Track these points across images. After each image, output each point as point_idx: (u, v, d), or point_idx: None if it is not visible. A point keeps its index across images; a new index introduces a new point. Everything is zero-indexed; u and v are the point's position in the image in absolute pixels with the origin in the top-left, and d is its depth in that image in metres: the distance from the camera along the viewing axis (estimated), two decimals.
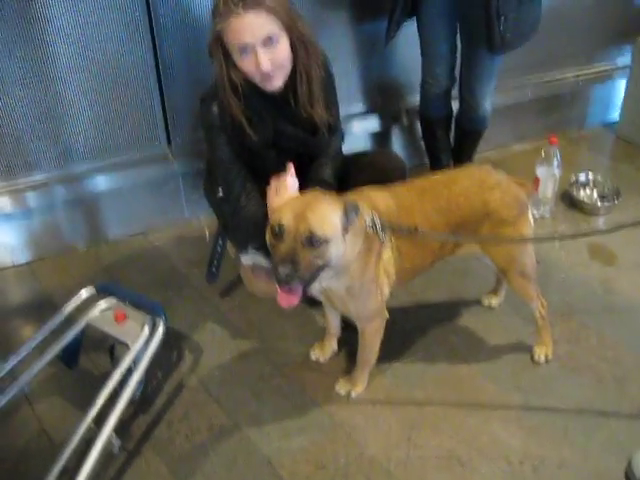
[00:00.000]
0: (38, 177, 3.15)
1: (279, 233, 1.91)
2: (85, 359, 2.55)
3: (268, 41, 2.15)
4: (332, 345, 2.62)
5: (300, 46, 2.23)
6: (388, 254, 2.20)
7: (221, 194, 2.52)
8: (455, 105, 3.51)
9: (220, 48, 2.23)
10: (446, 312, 2.87)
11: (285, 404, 2.44)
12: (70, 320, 2.42)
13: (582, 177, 3.76)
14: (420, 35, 3.26)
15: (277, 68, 2.21)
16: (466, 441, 2.27)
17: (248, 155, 2.38)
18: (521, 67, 4.00)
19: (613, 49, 4.38)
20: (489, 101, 3.33)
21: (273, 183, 2.26)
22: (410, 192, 2.29)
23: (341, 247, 1.96)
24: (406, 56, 3.61)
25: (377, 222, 2.09)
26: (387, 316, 2.35)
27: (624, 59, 4.37)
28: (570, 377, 2.52)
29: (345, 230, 1.96)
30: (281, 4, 2.15)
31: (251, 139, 2.32)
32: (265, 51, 2.16)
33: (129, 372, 2.21)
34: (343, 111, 2.77)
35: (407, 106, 3.82)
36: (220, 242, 2.80)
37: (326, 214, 1.93)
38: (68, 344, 2.35)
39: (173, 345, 2.72)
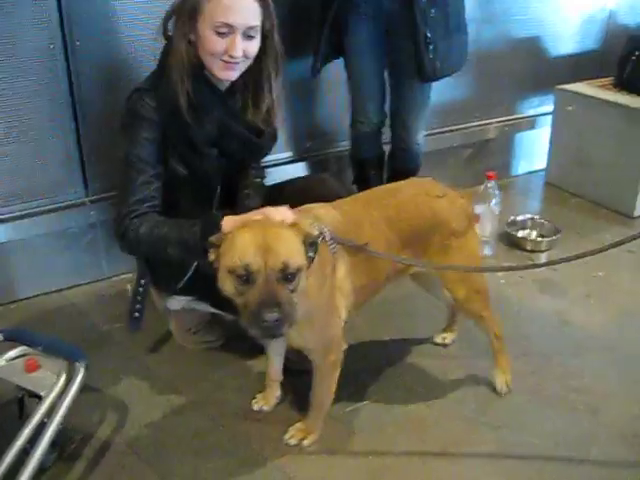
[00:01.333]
0: None
1: (246, 276, 1.66)
2: None
3: (249, 31, 2.08)
4: (275, 392, 2.33)
5: (270, 52, 2.19)
6: (342, 272, 1.98)
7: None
8: (387, 146, 3.40)
9: (189, 23, 2.08)
10: (398, 353, 2.65)
11: (228, 461, 2.12)
12: None
13: (520, 218, 3.68)
14: (348, 72, 3.17)
15: (242, 60, 2.12)
16: None
17: (185, 155, 2.19)
18: (449, 113, 3.98)
19: (535, 97, 4.43)
20: (422, 136, 3.25)
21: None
22: (356, 205, 2.12)
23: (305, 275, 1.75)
24: (333, 100, 3.51)
25: (327, 236, 1.88)
26: (345, 345, 2.09)
27: (547, 107, 4.42)
28: (541, 409, 2.33)
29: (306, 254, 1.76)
30: (272, 8, 2.15)
31: (193, 133, 2.15)
32: (242, 40, 2.08)
33: (41, 428, 1.84)
34: (269, 158, 2.65)
35: (336, 151, 3.68)
36: (142, 282, 2.47)
37: (291, 240, 1.72)
38: None
39: (94, 406, 2.36)
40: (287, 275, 1.67)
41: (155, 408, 2.35)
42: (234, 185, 2.43)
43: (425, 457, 2.12)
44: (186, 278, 2.28)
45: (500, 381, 2.39)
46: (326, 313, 1.96)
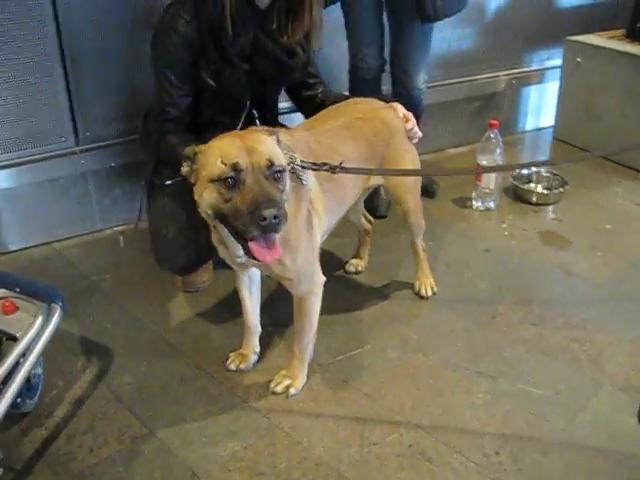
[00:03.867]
0: None
1: (235, 176, 1.59)
2: None
3: None
4: (253, 346, 2.23)
5: None
6: (314, 193, 1.92)
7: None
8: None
9: None
10: (394, 301, 2.57)
11: (211, 408, 2.04)
12: None
13: (525, 171, 3.55)
14: (345, 16, 3.03)
15: None
16: (430, 434, 1.92)
17: (217, 67, 2.22)
18: (454, 64, 3.85)
19: (545, 50, 4.28)
20: (423, 81, 3.11)
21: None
22: (301, 128, 2.11)
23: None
24: (331, 46, 3.35)
25: (297, 162, 1.81)
26: (324, 278, 2.01)
27: (556, 61, 4.26)
28: (540, 360, 2.23)
29: None
30: None
31: (228, 45, 2.18)
32: None
33: (16, 369, 1.77)
34: None
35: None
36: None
37: (270, 143, 1.69)
38: None
39: (78, 352, 2.30)
40: (274, 173, 1.62)
41: (140, 356, 2.28)
42: (270, 105, 2.49)
43: (417, 404, 2.04)
44: None
45: (423, 285, 2.54)
46: (305, 238, 1.88)
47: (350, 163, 2.03)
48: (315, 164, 1.86)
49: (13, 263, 2.88)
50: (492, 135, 3.17)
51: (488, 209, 3.27)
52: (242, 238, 1.64)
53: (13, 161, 2.87)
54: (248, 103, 2.37)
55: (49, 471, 1.81)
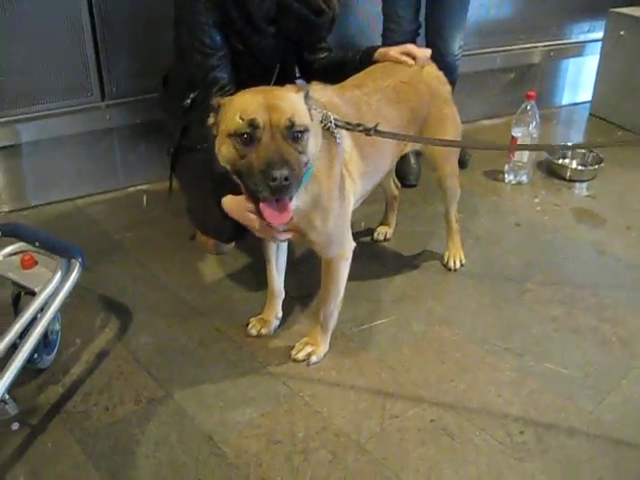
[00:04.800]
0: None
1: (251, 132, 1.53)
2: None
3: None
4: (276, 311, 2.18)
5: None
6: (348, 156, 1.86)
7: (189, 101, 2.26)
8: None
9: None
10: (422, 274, 2.50)
11: (230, 372, 2.00)
12: None
13: None
14: None
15: None
16: (453, 409, 1.87)
17: (243, 31, 2.16)
18: (491, 33, 3.73)
19: (586, 22, 4.13)
20: (459, 46, 3.01)
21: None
22: (352, 88, 2.03)
23: (316, 138, 1.64)
24: (364, 10, 3.28)
25: (331, 119, 1.75)
26: (354, 244, 1.96)
27: (597, 34, 4.12)
28: (569, 339, 2.16)
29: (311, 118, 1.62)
30: None
31: (253, 8, 2.13)
32: None
33: (33, 324, 1.74)
34: None
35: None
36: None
37: (295, 101, 1.60)
38: None
39: (97, 310, 2.26)
40: (294, 133, 1.55)
41: (160, 316, 2.24)
42: (291, 66, 2.44)
43: (442, 379, 1.98)
44: None
45: (455, 257, 2.49)
46: (336, 200, 1.81)
47: (393, 128, 1.98)
48: (349, 124, 1.79)
49: (35, 218, 2.86)
50: (529, 107, 3.07)
51: (520, 183, 3.18)
52: (255, 198, 1.58)
53: (38, 114, 2.83)
54: (278, 65, 2.30)
55: (64, 428, 1.78)
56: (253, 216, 1.72)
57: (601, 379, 1.99)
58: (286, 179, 1.49)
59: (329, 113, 1.76)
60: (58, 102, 2.85)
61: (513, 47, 3.88)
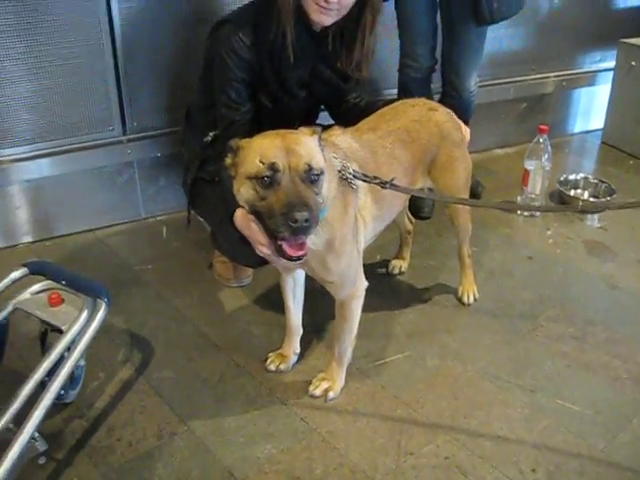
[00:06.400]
0: None
1: (271, 176, 1.59)
2: (14, 355, 2.15)
3: None
4: (294, 347, 2.24)
5: (369, 6, 2.20)
6: (363, 202, 1.93)
7: (210, 138, 2.36)
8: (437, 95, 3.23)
9: None
10: (435, 309, 2.55)
11: (250, 407, 2.06)
12: None
13: (572, 177, 3.50)
14: (398, 13, 3.00)
15: (337, 8, 2.12)
16: (466, 447, 1.91)
17: (275, 93, 2.27)
18: (504, 64, 3.80)
19: (597, 51, 4.19)
20: (474, 83, 3.07)
21: None
22: (367, 131, 2.09)
23: (330, 181, 1.72)
24: (382, 43, 3.32)
25: (349, 170, 1.83)
26: (367, 283, 2.02)
27: (608, 63, 4.17)
28: (580, 375, 2.20)
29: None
30: None
31: (288, 75, 2.25)
32: None
33: (61, 362, 1.80)
34: None
35: (383, 98, 3.52)
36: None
37: (311, 144, 1.67)
38: None
39: (119, 344, 2.33)
40: (311, 176, 1.61)
41: (181, 350, 2.30)
42: (313, 118, 2.55)
43: (455, 415, 2.03)
44: None
45: (468, 292, 2.54)
46: (349, 243, 1.88)
47: (405, 169, 2.07)
48: (367, 176, 1.86)
49: (57, 249, 2.94)
50: (541, 140, 3.12)
51: (533, 215, 3.23)
52: (273, 236, 1.65)
53: (61, 148, 2.91)
54: (298, 121, 2.38)
55: (89, 463, 1.84)
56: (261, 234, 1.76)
57: (612, 417, 2.03)
58: (306, 221, 1.56)
59: (348, 164, 1.83)
60: (80, 136, 2.93)
61: (526, 77, 3.94)
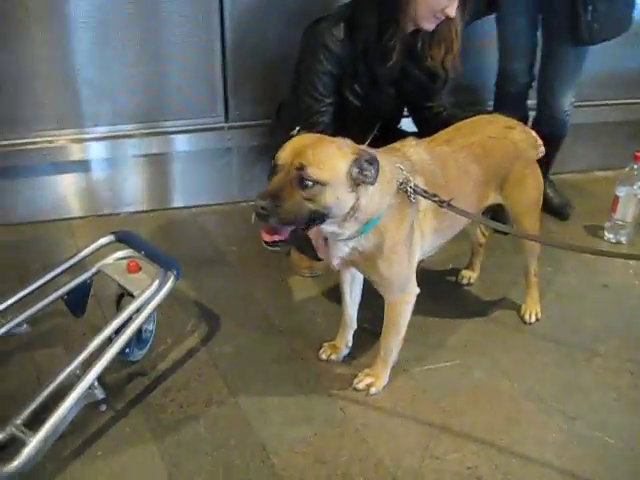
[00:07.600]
0: (101, 130, 3.07)
1: (273, 168, 1.73)
2: (96, 312, 2.41)
3: None
4: (347, 340, 2.34)
5: (464, 6, 2.32)
6: (424, 213, 2.00)
7: (295, 132, 2.40)
8: (532, 111, 3.22)
9: None
10: (490, 324, 2.58)
11: (295, 391, 2.19)
12: (84, 266, 2.26)
13: None
14: (499, 29, 3.02)
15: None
16: (492, 462, 1.95)
17: (365, 89, 2.41)
18: (607, 85, 3.68)
19: None
20: (570, 103, 3.04)
21: None
22: (441, 143, 2.14)
23: (345, 198, 1.74)
24: (481, 57, 3.36)
25: (410, 185, 1.89)
26: (418, 290, 2.09)
27: None
28: (626, 411, 2.17)
29: (354, 182, 1.74)
30: None
31: (379, 71, 2.37)
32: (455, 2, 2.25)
33: (128, 322, 2.01)
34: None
35: (479, 110, 3.52)
36: None
37: (329, 156, 1.71)
38: (75, 287, 2.20)
39: (190, 315, 2.52)
40: (301, 178, 1.66)
41: (245, 329, 2.47)
42: (396, 119, 2.68)
43: (489, 430, 2.06)
44: None
45: (531, 311, 2.55)
46: (404, 251, 1.96)
47: (476, 184, 2.14)
48: (426, 192, 1.92)
49: (153, 222, 3.20)
50: (635, 167, 3.05)
51: (619, 242, 3.16)
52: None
53: (168, 129, 3.15)
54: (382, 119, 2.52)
55: (142, 417, 2.04)
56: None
57: None
58: (263, 208, 1.66)
59: (411, 178, 1.89)
60: (187, 119, 3.16)
61: (630, 101, 3.81)
